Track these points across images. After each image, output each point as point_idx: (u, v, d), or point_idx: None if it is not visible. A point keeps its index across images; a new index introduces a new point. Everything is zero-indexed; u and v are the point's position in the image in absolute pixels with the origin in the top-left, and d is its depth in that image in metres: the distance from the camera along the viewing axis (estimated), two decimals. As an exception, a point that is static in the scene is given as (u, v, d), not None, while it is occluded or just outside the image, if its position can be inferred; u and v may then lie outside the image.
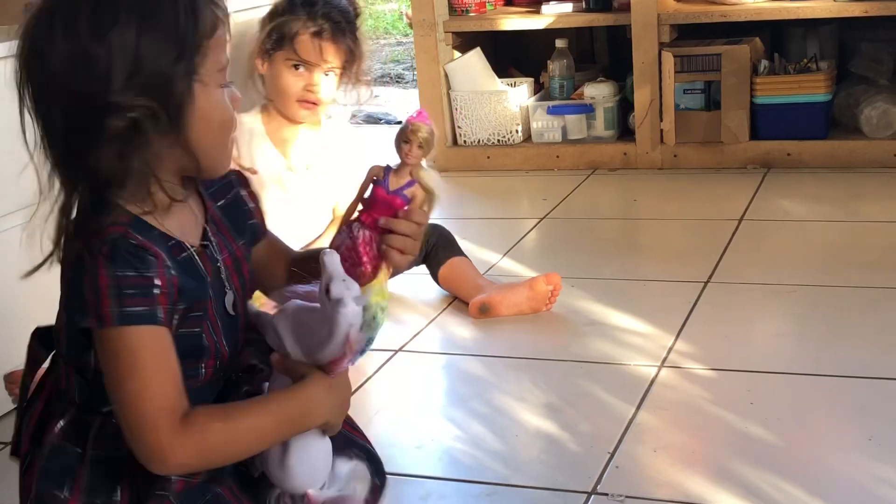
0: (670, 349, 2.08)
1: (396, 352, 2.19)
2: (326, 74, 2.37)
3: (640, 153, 3.35)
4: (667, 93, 3.26)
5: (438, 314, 2.36)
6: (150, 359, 1.13)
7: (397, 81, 6.55)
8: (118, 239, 1.13)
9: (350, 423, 1.34)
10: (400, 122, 5.10)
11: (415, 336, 2.26)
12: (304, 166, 2.45)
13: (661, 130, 3.31)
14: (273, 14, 2.40)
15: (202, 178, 1.24)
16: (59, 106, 1.13)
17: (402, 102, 5.81)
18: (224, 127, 1.20)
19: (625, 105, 3.45)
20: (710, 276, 2.44)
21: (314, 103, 2.39)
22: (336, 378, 1.21)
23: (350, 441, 1.33)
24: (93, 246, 1.12)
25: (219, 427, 1.14)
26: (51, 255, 1.17)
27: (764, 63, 3.24)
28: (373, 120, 5.05)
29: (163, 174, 1.15)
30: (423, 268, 2.43)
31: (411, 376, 2.12)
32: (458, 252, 2.45)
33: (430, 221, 2.44)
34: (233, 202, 1.31)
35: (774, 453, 1.69)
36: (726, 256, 2.56)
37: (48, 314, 1.25)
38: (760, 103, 3.21)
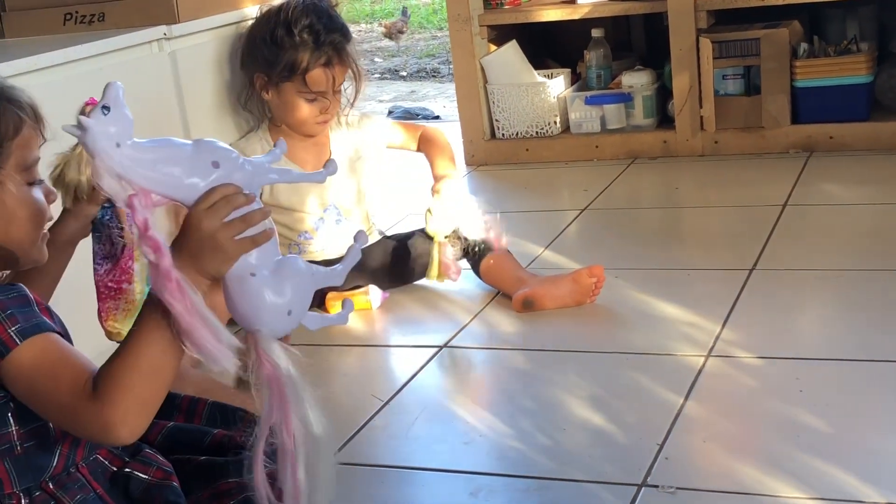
0: (717, 338, 2.06)
1: (441, 348, 2.19)
2: (335, 92, 2.42)
3: (681, 140, 3.33)
4: (706, 79, 3.23)
5: (482, 309, 2.36)
6: (53, 357, 1.16)
7: (433, 76, 6.55)
8: None
9: None
10: (437, 117, 5.12)
11: (459, 331, 2.26)
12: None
13: (701, 117, 3.28)
14: (272, 39, 2.39)
15: (21, 268, 1.28)
16: None
17: (439, 97, 5.82)
18: (32, 220, 1.24)
19: (663, 93, 3.43)
20: (755, 264, 2.42)
21: (328, 121, 2.45)
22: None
23: None
24: None
25: (117, 366, 1.15)
26: None
27: (803, 46, 3.21)
28: (409, 115, 5.06)
29: None
30: (464, 262, 2.43)
31: (457, 372, 2.12)
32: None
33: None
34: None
35: (825, 441, 1.67)
36: (771, 243, 2.54)
37: None
38: (801, 87, 3.17)
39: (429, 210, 2.38)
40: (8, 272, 1.29)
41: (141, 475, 1.29)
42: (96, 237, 1.44)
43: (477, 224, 2.37)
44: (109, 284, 1.39)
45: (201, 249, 1.17)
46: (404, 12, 7.61)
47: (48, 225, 1.29)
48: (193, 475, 1.32)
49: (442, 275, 2.37)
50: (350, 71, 2.44)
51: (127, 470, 1.29)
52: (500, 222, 2.39)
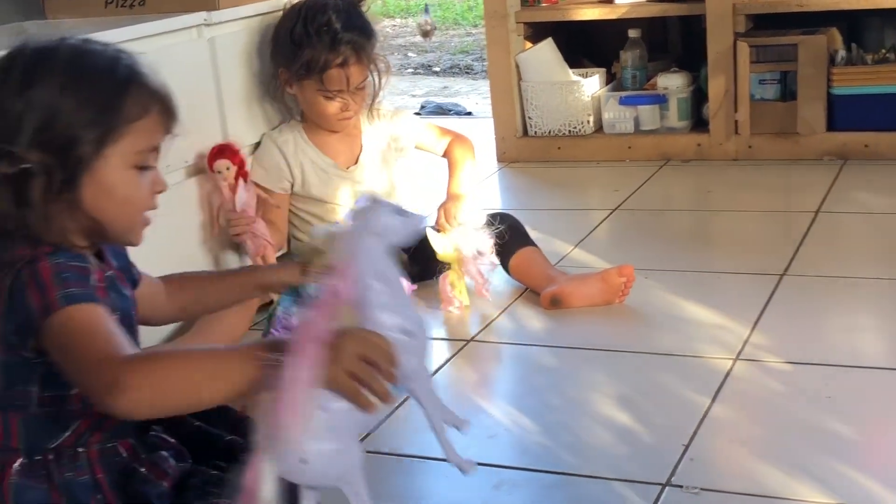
0: (746, 342, 2.06)
1: (468, 342, 2.19)
2: (358, 88, 2.41)
3: (714, 144, 3.31)
4: (742, 83, 3.22)
5: (510, 305, 2.36)
6: (97, 323, 1.17)
7: (466, 72, 6.55)
8: (49, 250, 1.21)
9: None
10: (469, 113, 5.10)
11: (486, 326, 2.26)
12: (352, 162, 2.48)
13: (736, 121, 3.27)
14: (291, 37, 2.40)
15: (109, 244, 1.32)
16: None
17: (471, 93, 5.82)
18: (127, 205, 1.26)
19: (698, 95, 3.41)
20: (786, 269, 2.41)
21: (350, 117, 2.44)
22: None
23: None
24: (25, 261, 1.19)
25: (165, 358, 1.16)
26: None
27: (841, 53, 3.19)
28: (441, 111, 5.06)
29: (67, 229, 1.22)
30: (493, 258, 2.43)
31: (483, 366, 2.13)
32: (529, 242, 2.45)
33: (501, 211, 2.50)
34: (115, 252, 1.36)
35: (852, 448, 1.66)
36: (802, 249, 2.53)
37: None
38: (837, 94, 3.16)
39: (434, 229, 2.36)
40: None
41: (143, 471, 1.29)
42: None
43: (479, 246, 2.32)
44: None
45: (329, 358, 1.14)
46: (427, 10, 7.55)
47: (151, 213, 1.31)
48: (194, 486, 1.32)
49: (464, 295, 2.33)
50: (371, 69, 2.43)
51: (135, 465, 1.31)
52: (492, 267, 2.36)
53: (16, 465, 1.25)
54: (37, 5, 2.61)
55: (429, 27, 7.20)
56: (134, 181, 1.26)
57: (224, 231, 2.34)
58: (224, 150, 2.31)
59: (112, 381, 1.11)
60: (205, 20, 2.35)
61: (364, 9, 2.47)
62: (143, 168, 1.26)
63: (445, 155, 2.59)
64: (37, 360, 1.21)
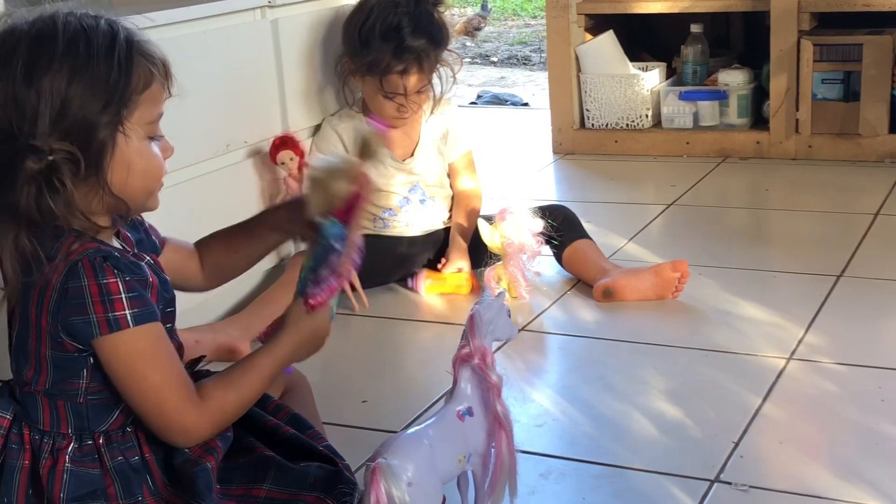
0: (800, 342, 2.04)
1: (520, 330, 2.19)
2: (418, 92, 2.40)
3: (774, 142, 3.28)
4: (804, 82, 3.18)
5: (561, 296, 2.36)
6: (162, 352, 1.25)
7: (524, 63, 6.53)
8: (103, 250, 1.23)
9: (313, 429, 1.44)
10: (526, 104, 5.09)
11: (537, 316, 2.26)
12: (409, 154, 2.48)
13: (797, 120, 3.23)
14: (359, 32, 2.38)
15: (130, 216, 1.34)
16: None
17: (528, 84, 5.81)
18: (148, 175, 1.27)
19: (759, 93, 3.38)
20: (843, 270, 2.38)
21: (406, 119, 2.43)
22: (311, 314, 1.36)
23: (310, 451, 1.39)
24: (83, 258, 1.21)
25: (232, 395, 1.29)
26: (13, 290, 1.25)
27: (907, 54, 3.14)
28: (498, 101, 5.06)
29: (91, 213, 1.23)
30: (545, 248, 2.42)
31: (533, 355, 2.13)
32: (583, 234, 2.44)
33: (555, 202, 2.48)
34: (132, 224, 1.38)
35: (905, 452, 1.65)
36: (860, 251, 2.50)
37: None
38: (902, 96, 3.11)
39: (486, 220, 2.35)
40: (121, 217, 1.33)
41: (187, 451, 1.31)
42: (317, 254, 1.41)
43: (526, 242, 2.28)
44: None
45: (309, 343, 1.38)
46: (484, 7, 7.45)
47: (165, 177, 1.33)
48: (241, 468, 1.35)
49: (511, 289, 2.29)
50: (434, 69, 2.41)
51: None
52: (535, 266, 2.33)
53: (68, 450, 1.27)
54: (103, -17, 2.64)
55: (477, 26, 7.05)
56: (149, 151, 1.27)
57: None
58: (287, 142, 2.32)
59: (184, 430, 1.27)
60: (268, 1, 2.37)
61: (441, 10, 2.43)
62: (151, 137, 1.28)
63: (458, 192, 2.54)
64: (84, 353, 1.24)
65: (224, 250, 1.48)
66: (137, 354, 1.23)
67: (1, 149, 1.19)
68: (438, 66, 2.44)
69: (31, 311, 1.24)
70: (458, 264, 2.41)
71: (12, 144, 1.19)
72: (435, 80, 2.46)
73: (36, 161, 1.18)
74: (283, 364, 1.37)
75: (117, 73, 1.22)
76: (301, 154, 2.33)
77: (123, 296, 1.21)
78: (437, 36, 2.40)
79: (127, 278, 1.22)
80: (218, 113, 2.24)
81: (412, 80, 2.38)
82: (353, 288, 2.27)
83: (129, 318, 1.21)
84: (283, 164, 2.31)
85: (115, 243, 1.31)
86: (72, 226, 1.23)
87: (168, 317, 1.32)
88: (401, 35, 2.35)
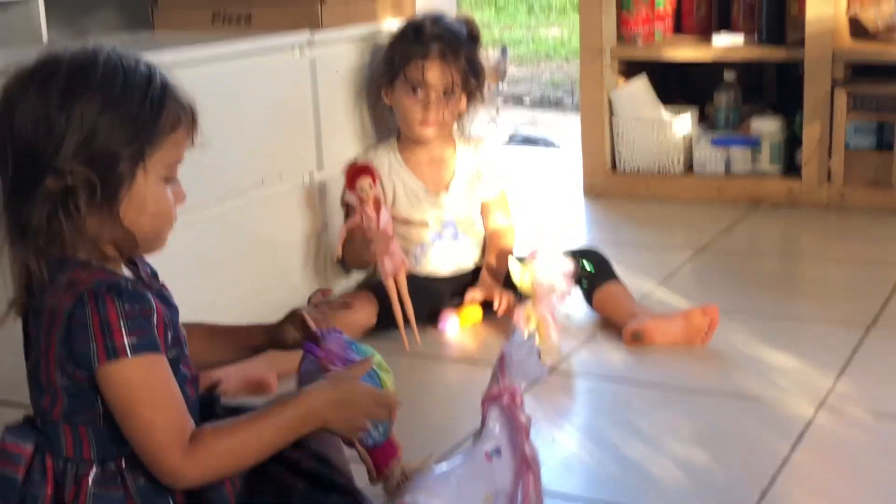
0: (829, 391, 2.03)
1: (548, 372, 2.19)
2: (444, 94, 2.42)
3: (806, 190, 3.28)
4: (837, 131, 3.19)
5: (591, 337, 2.36)
6: (158, 386, 1.25)
7: (556, 105, 6.56)
8: (109, 279, 1.24)
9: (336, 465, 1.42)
10: (558, 146, 5.09)
11: (566, 357, 2.26)
12: (443, 188, 2.49)
13: (829, 168, 3.23)
14: (390, 45, 2.49)
15: (136, 255, 1.34)
16: (13, 158, 1.23)
17: (560, 126, 5.83)
18: (158, 217, 1.29)
19: (791, 140, 3.38)
20: (874, 321, 2.37)
21: (430, 123, 2.44)
22: (339, 383, 1.36)
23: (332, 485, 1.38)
24: (88, 289, 1.22)
25: (226, 443, 1.26)
26: (13, 305, 1.28)
27: (942, 106, 3.14)
28: (530, 142, 5.08)
29: (99, 241, 1.25)
30: (576, 290, 2.43)
31: (560, 397, 2.12)
32: (614, 277, 2.44)
33: (588, 247, 2.49)
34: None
35: (935, 506, 1.63)
36: (892, 302, 2.49)
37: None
38: (936, 147, 3.11)
39: (517, 260, 2.36)
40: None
41: None
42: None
43: (556, 285, 2.28)
44: None
45: (344, 411, 1.37)
46: (504, 52, 7.44)
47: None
48: (264, 494, 1.35)
49: (541, 330, 2.26)
50: (459, 75, 2.42)
51: None
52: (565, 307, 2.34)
53: (91, 474, 1.28)
54: (146, 18, 2.69)
55: (500, 68, 7.06)
56: (163, 194, 1.29)
57: (352, 251, 2.36)
58: (364, 169, 2.33)
59: (171, 471, 1.24)
60: (308, 41, 2.40)
61: (476, 44, 2.48)
62: (168, 180, 1.30)
63: (491, 231, 2.55)
64: (93, 382, 1.25)
65: (201, 343, 1.47)
66: (132, 386, 1.23)
67: (24, 164, 1.23)
68: (460, 70, 2.43)
69: (41, 343, 1.26)
70: (471, 295, 2.43)
71: (36, 162, 1.22)
72: (471, 108, 2.49)
73: (55, 181, 1.22)
74: (292, 427, 1.32)
75: (148, 111, 1.25)
76: (376, 182, 2.34)
77: (122, 325, 1.22)
78: (457, 35, 2.45)
79: (127, 307, 1.23)
80: (255, 147, 2.27)
81: (434, 68, 2.40)
82: (405, 322, 2.30)
83: (127, 347, 1.22)
84: (362, 190, 2.31)
85: (125, 271, 1.32)
86: (77, 253, 1.25)
87: (176, 343, 1.32)
88: (423, 29, 2.43)
